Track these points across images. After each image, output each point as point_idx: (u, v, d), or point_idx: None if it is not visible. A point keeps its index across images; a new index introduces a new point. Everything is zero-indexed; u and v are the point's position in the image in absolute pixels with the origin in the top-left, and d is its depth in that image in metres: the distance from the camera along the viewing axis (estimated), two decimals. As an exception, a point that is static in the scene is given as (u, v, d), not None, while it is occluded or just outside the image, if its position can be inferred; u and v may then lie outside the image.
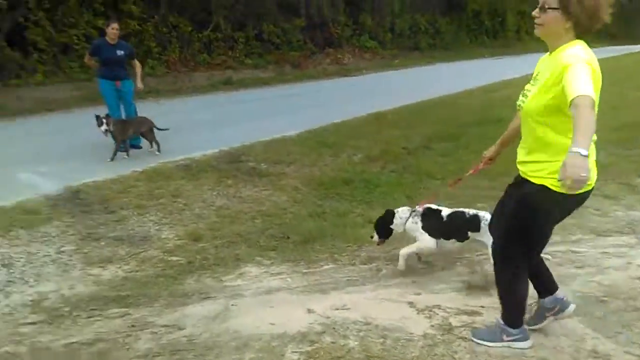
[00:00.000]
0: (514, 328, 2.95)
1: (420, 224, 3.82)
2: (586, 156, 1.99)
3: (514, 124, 3.01)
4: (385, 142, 7.96)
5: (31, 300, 3.59)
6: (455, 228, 3.73)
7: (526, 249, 2.78)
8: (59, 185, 5.88)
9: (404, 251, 3.87)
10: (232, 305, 3.57)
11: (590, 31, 2.44)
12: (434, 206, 3.89)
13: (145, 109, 8.75)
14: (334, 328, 3.24)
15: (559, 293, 3.06)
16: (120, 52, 7.44)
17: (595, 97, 2.19)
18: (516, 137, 2.87)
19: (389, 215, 3.97)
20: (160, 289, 3.79)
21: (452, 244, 3.80)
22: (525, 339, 2.97)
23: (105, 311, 3.48)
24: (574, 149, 2.01)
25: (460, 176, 3.71)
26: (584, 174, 1.96)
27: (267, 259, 4.28)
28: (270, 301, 3.62)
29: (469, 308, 3.43)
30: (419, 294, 3.66)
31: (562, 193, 2.29)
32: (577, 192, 2.16)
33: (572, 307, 3.06)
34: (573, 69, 2.24)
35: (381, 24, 26.65)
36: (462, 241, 3.75)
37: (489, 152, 3.26)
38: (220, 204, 5.48)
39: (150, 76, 15.87)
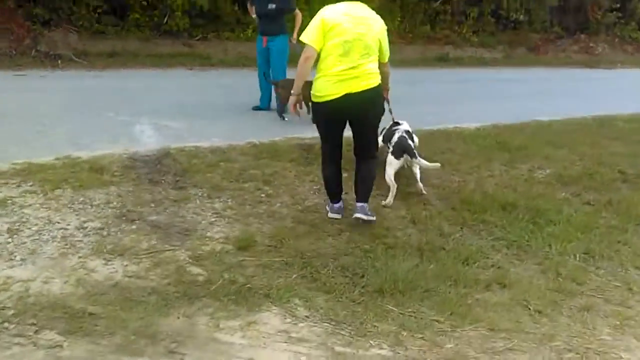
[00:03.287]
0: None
1: None
2: (295, 95, 3.66)
3: None
4: (595, 160, 5.59)
5: (-14, 287, 2.78)
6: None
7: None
8: (161, 144, 5.17)
9: None
10: (192, 380, 2.26)
11: None
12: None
13: None
14: None
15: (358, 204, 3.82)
16: (271, 6, 6.38)
17: (327, 41, 3.41)
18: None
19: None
20: (135, 316, 2.65)
21: None
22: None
23: (40, 333, 2.48)
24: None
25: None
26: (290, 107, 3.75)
27: (306, 308, 2.83)
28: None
29: None
30: None
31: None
32: (319, 101, 3.57)
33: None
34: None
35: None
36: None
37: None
38: (311, 203, 4.14)
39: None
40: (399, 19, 15.93)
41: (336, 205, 3.91)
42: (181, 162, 4.67)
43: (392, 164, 4.25)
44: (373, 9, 3.60)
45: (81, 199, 3.83)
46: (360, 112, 3.58)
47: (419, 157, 4.25)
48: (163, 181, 4.26)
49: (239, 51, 12.89)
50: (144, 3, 12.14)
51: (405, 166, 4.36)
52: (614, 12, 20.11)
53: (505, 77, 12.89)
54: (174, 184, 4.24)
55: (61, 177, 4.12)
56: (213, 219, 3.75)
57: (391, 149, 4.32)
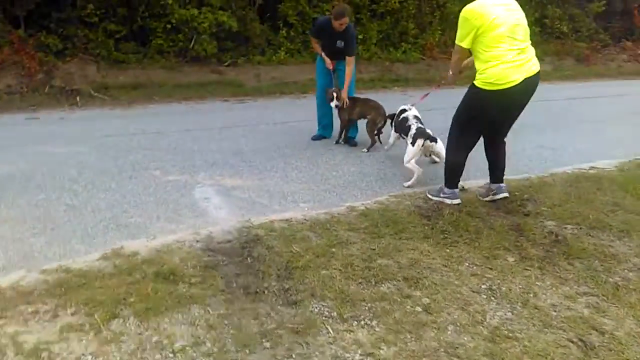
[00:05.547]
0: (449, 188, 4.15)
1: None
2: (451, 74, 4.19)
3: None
4: None
5: None
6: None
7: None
8: (237, 217, 3.80)
9: None
10: None
11: None
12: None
13: (389, 100, 6.52)
14: None
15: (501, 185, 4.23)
16: (340, 43, 5.73)
17: (464, 39, 3.68)
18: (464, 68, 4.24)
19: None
20: None
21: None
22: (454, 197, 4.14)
23: None
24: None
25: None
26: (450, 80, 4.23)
27: None
28: None
29: None
30: None
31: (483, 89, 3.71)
32: (493, 89, 3.65)
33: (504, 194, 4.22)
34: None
35: None
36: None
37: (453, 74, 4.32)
38: (496, 320, 2.70)
39: (401, 62, 13.72)
40: (439, 31, 14.61)
41: (457, 190, 4.17)
42: (278, 252, 3.26)
43: (413, 153, 4.54)
44: None
45: (155, 338, 2.42)
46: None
47: (438, 140, 4.60)
48: (266, 291, 2.85)
49: (272, 76, 11.61)
50: (168, 26, 10.87)
51: (426, 154, 4.80)
52: (659, 15, 18.75)
53: (570, 94, 11.48)
54: (282, 294, 2.82)
55: (116, 294, 2.73)
56: (365, 365, 2.34)
57: (410, 140, 4.60)
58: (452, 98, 4.29)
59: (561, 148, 5.98)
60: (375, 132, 5.70)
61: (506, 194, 4.20)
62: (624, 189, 4.57)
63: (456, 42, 3.77)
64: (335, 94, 5.74)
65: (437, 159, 4.92)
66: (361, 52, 12.92)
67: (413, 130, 4.64)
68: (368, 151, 5.64)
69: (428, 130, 4.63)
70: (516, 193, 4.41)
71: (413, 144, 4.54)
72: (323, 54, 5.94)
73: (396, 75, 13.17)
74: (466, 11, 3.65)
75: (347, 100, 5.72)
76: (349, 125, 5.92)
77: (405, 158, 4.57)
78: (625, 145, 6.14)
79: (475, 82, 3.75)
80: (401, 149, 4.95)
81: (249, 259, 3.18)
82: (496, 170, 4.22)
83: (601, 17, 17.81)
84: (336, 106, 5.78)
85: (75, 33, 10.37)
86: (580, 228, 3.79)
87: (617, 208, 4.15)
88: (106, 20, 10.53)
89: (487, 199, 4.23)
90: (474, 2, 3.67)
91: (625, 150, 5.89)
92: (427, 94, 5.12)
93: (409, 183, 4.57)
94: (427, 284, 2.99)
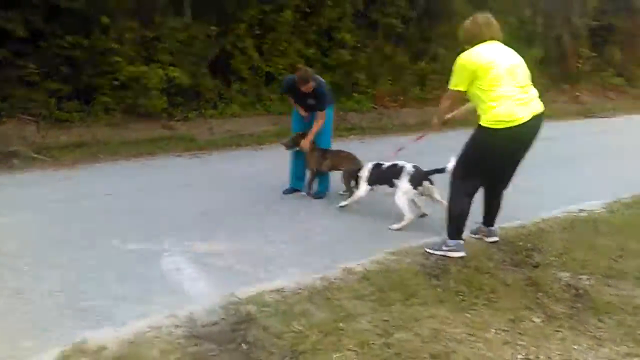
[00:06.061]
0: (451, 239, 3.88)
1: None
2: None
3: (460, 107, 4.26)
4: None
5: None
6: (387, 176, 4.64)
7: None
8: (217, 290, 3.26)
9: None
10: None
11: (480, 41, 3.69)
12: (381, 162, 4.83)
13: (349, 149, 6.21)
14: None
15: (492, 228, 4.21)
16: (310, 101, 5.55)
17: (461, 84, 3.68)
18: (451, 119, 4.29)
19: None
20: None
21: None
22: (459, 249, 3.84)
23: None
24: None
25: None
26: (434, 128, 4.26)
27: None
28: None
29: None
30: None
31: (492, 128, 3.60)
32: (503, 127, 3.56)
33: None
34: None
35: (632, 59, 21.34)
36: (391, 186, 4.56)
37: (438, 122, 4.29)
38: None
39: (355, 112, 13.64)
40: (389, 81, 14.73)
41: (462, 242, 3.91)
42: (277, 333, 2.74)
43: (409, 193, 4.44)
44: None
45: None
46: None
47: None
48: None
49: (226, 129, 11.15)
50: (115, 83, 10.31)
51: (420, 196, 4.53)
52: (592, 60, 19.86)
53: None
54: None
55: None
56: None
57: (408, 177, 4.45)
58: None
59: (545, 191, 5.80)
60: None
61: (496, 238, 4.19)
62: (622, 232, 4.35)
63: (450, 87, 3.79)
64: (292, 136, 5.62)
65: (420, 205, 4.71)
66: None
67: (410, 168, 4.49)
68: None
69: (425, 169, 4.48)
70: (519, 243, 4.12)
71: (411, 182, 4.41)
72: (297, 105, 5.76)
73: (351, 124, 13.02)
74: (462, 58, 3.68)
75: (305, 147, 5.46)
76: (315, 177, 5.55)
77: (398, 194, 4.43)
78: (602, 185, 6.08)
79: (482, 123, 3.67)
80: (373, 199, 4.74)
81: (243, 345, 2.64)
82: (490, 214, 4.20)
83: (540, 62, 18.68)
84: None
85: (12, 93, 9.65)
86: (597, 278, 3.49)
87: (624, 253, 3.90)
88: (48, 80, 9.89)
89: (476, 236, 4.25)
90: (469, 50, 3.70)
91: (604, 190, 5.79)
92: (401, 148, 4.94)
93: (396, 226, 4.41)
94: (459, 360, 2.54)
